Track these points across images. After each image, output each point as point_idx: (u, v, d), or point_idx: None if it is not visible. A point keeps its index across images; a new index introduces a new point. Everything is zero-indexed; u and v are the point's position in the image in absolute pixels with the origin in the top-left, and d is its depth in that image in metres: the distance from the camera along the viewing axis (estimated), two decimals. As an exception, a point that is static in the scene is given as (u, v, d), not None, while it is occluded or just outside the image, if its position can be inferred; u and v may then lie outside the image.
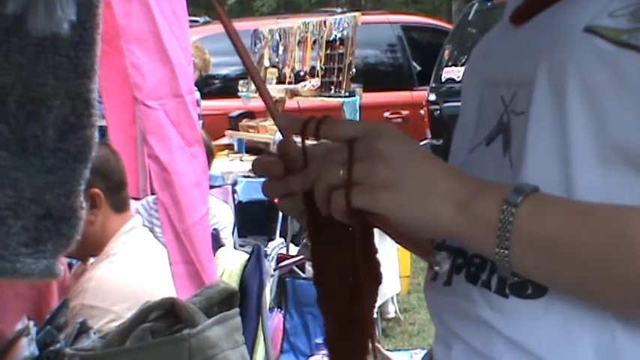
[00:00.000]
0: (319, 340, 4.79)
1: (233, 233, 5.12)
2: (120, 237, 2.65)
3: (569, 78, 0.92)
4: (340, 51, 6.93)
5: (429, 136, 8.96)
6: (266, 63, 8.34)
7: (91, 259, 2.66)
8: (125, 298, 2.44)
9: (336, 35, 7.05)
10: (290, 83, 7.67)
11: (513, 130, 0.99)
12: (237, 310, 2.08)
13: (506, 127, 1.00)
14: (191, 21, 4.03)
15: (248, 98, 8.46)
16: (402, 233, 0.94)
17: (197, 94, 6.39)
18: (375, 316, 6.17)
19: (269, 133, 7.39)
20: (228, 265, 3.33)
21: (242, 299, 2.31)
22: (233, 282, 3.16)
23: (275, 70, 8.13)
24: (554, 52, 0.94)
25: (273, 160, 0.99)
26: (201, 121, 6.62)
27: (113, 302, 2.46)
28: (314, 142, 0.98)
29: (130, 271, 2.56)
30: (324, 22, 7.35)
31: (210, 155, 4.34)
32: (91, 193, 2.57)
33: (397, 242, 0.98)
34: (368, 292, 0.97)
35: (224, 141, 8.08)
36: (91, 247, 2.59)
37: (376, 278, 0.97)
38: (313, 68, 7.47)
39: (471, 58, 1.15)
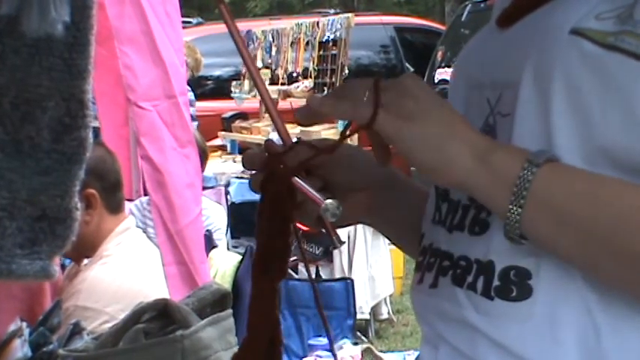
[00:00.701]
0: (312, 341, 4.79)
1: (226, 234, 5.12)
2: (114, 238, 2.64)
3: (554, 79, 0.92)
4: (333, 52, 6.94)
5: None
6: (259, 64, 8.34)
7: (85, 260, 2.66)
8: (119, 300, 2.43)
9: (329, 36, 7.06)
10: (283, 84, 7.68)
11: (499, 132, 0.99)
12: (230, 311, 2.08)
13: (492, 129, 1.00)
14: (184, 22, 4.03)
15: (241, 99, 8.46)
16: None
17: (191, 95, 6.40)
18: (367, 317, 6.17)
19: (262, 134, 7.40)
20: (221, 267, 3.34)
21: (235, 300, 2.31)
22: (226, 283, 3.16)
23: (268, 71, 8.14)
24: (540, 54, 0.94)
25: (259, 153, 1.01)
26: (196, 123, 6.63)
27: (106, 303, 2.46)
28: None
29: (123, 272, 2.55)
30: (317, 23, 7.36)
31: (204, 157, 4.34)
32: (86, 193, 2.56)
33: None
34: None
35: (217, 142, 8.09)
36: (86, 248, 2.58)
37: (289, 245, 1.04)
38: (306, 69, 7.48)
39: (458, 60, 1.16)
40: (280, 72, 7.96)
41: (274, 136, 6.62)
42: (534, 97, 0.94)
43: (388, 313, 5.77)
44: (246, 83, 8.44)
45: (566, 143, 0.92)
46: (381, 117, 0.91)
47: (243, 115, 8.31)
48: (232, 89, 8.58)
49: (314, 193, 0.99)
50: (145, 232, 3.03)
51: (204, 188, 4.16)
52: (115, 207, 2.66)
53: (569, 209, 0.87)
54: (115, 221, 2.66)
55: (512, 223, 0.90)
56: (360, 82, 0.94)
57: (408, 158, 0.91)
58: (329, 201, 0.96)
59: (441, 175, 0.92)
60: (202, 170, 4.19)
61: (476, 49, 1.13)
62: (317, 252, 5.78)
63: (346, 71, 6.79)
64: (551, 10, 0.97)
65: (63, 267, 2.88)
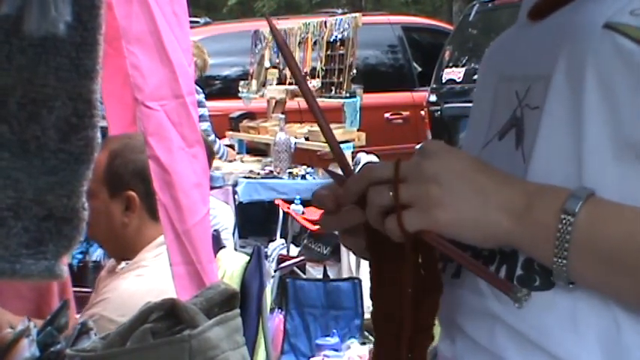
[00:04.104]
0: (320, 341, 4.79)
1: (234, 234, 5.13)
2: (154, 249, 2.60)
3: (587, 73, 0.92)
4: (341, 52, 6.93)
5: (430, 137, 8.96)
6: (267, 64, 8.34)
7: (122, 264, 2.62)
8: None
9: (336, 36, 7.05)
10: (291, 84, 7.67)
11: (527, 125, 0.99)
12: (237, 311, 2.07)
13: (519, 122, 1.00)
14: (191, 22, 4.03)
15: (248, 99, 8.46)
16: (461, 254, 0.94)
17: (201, 96, 6.39)
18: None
19: (269, 134, 7.40)
20: (229, 267, 3.33)
21: (243, 300, 2.30)
22: (234, 284, 3.15)
23: (276, 70, 8.13)
24: (572, 48, 0.94)
25: (328, 194, 1.00)
26: (208, 123, 6.63)
27: None
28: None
29: (156, 288, 2.50)
30: (325, 22, 7.35)
31: (209, 155, 4.33)
32: (126, 195, 2.55)
33: (461, 263, 0.98)
34: (430, 304, 0.97)
35: (225, 142, 8.09)
36: (125, 250, 2.55)
37: (438, 288, 0.97)
38: (314, 69, 7.47)
39: (486, 55, 1.15)
40: (288, 72, 7.95)
41: (282, 136, 6.55)
42: (566, 91, 0.94)
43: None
44: (254, 83, 8.44)
45: (595, 137, 0.91)
46: (412, 220, 0.91)
47: (250, 115, 8.31)
48: (240, 89, 8.57)
49: (499, 277, 0.95)
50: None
51: (211, 188, 4.15)
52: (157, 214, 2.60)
53: (614, 252, 0.87)
54: (158, 228, 2.61)
55: (560, 273, 0.90)
56: (376, 187, 0.93)
57: (453, 237, 0.92)
58: (523, 291, 0.90)
59: (483, 243, 0.93)
60: (209, 169, 4.18)
61: (506, 42, 1.13)
62: (325, 252, 5.78)
63: (354, 71, 6.78)
64: (584, 4, 0.97)
65: (70, 267, 2.87)
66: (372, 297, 1.02)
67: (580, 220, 0.88)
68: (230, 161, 7.36)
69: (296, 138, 6.95)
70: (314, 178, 6.70)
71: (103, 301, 2.48)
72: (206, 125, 6.66)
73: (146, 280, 2.53)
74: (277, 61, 8.21)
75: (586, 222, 0.88)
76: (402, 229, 0.91)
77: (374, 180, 0.93)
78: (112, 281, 2.57)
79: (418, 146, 0.96)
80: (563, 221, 0.88)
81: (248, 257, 3.34)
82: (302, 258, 5.58)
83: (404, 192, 0.91)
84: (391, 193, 0.91)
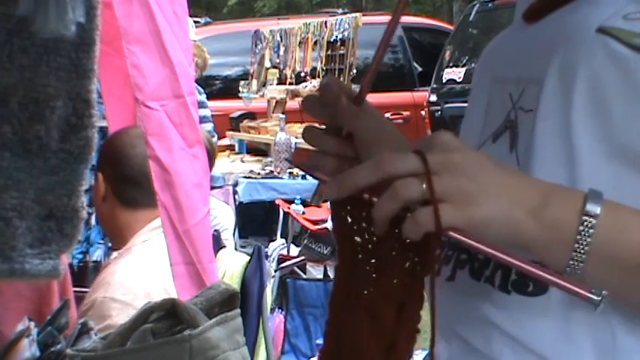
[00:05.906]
0: (320, 341, 4.78)
1: (234, 234, 5.12)
2: (141, 235, 2.62)
3: (578, 77, 0.92)
4: (341, 52, 6.94)
5: (430, 137, 8.94)
6: (267, 64, 8.34)
7: (115, 253, 2.63)
8: (146, 296, 2.41)
9: (337, 36, 7.06)
10: (291, 84, 7.68)
11: (521, 127, 0.98)
12: (238, 310, 2.07)
13: (513, 124, 1.00)
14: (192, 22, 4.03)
15: (249, 99, 8.47)
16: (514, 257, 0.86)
17: (203, 97, 6.39)
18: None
19: (270, 134, 7.40)
20: (229, 267, 3.33)
21: (243, 300, 2.30)
22: (234, 284, 3.15)
23: (276, 71, 8.14)
24: (565, 51, 0.94)
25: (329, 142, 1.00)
26: (211, 124, 6.64)
27: (134, 298, 2.44)
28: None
29: (150, 269, 2.53)
30: (325, 22, 7.36)
31: (212, 156, 4.33)
32: (98, 176, 2.58)
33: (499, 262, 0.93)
34: (412, 315, 0.90)
35: (225, 142, 8.09)
36: (111, 235, 2.58)
37: (420, 299, 0.89)
38: (314, 69, 7.48)
39: (482, 56, 1.15)
40: (288, 72, 7.95)
41: (282, 136, 6.55)
42: (558, 94, 0.94)
43: (396, 313, 5.75)
44: (254, 83, 8.44)
45: (588, 141, 0.91)
46: (448, 215, 0.83)
47: (251, 115, 8.32)
48: (240, 89, 8.58)
49: (575, 288, 0.86)
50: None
51: (211, 188, 4.15)
52: (128, 201, 2.62)
53: (631, 259, 0.85)
54: (132, 217, 2.62)
55: (571, 276, 0.86)
56: (406, 181, 0.84)
57: (479, 235, 0.85)
58: (603, 293, 0.83)
59: (507, 242, 0.86)
60: (210, 169, 4.19)
61: (501, 44, 1.12)
62: (325, 252, 5.78)
63: (354, 71, 6.79)
64: (579, 8, 0.97)
65: (71, 266, 2.88)
66: (335, 283, 0.93)
67: (601, 224, 0.84)
68: None
69: (296, 138, 6.95)
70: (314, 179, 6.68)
71: (103, 286, 2.49)
72: (210, 126, 6.66)
73: (139, 261, 2.56)
74: (277, 61, 8.21)
75: (607, 224, 0.85)
76: (437, 223, 0.83)
77: (397, 172, 0.85)
78: (108, 268, 2.59)
79: (426, 137, 0.90)
80: (585, 223, 0.84)
81: (248, 257, 3.34)
82: (302, 258, 5.59)
83: (437, 186, 0.83)
84: (424, 186, 0.83)
